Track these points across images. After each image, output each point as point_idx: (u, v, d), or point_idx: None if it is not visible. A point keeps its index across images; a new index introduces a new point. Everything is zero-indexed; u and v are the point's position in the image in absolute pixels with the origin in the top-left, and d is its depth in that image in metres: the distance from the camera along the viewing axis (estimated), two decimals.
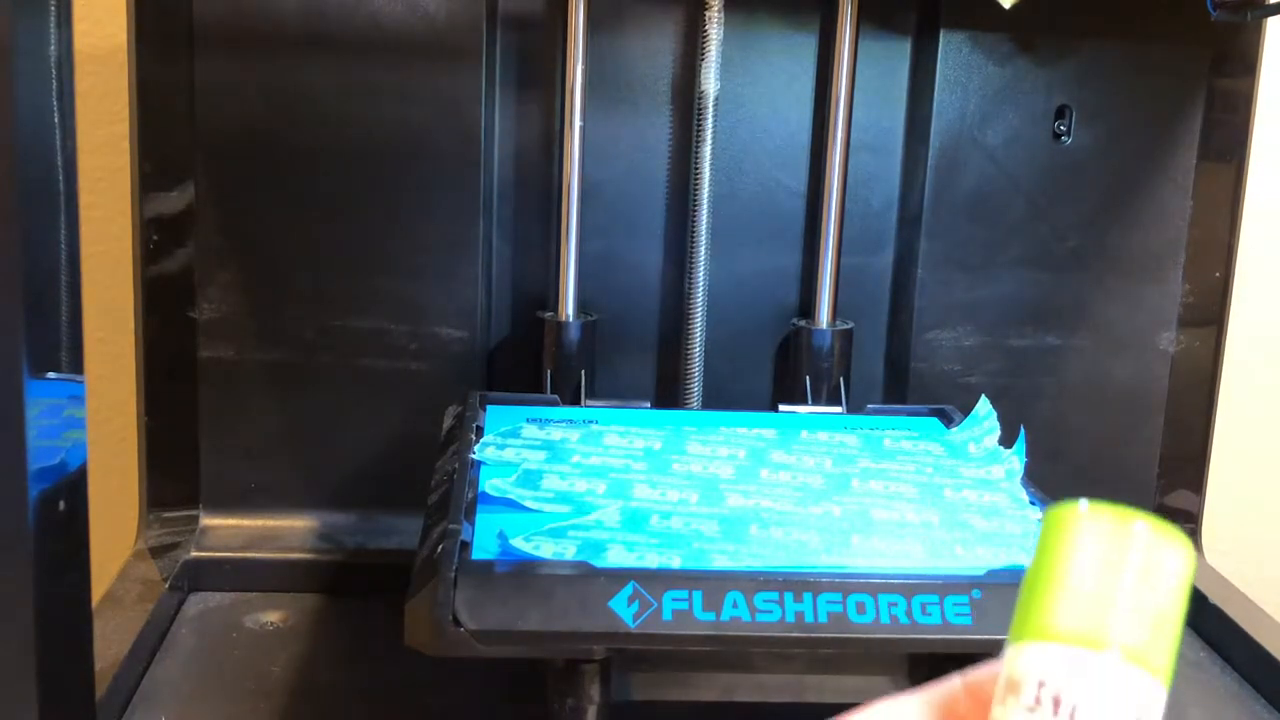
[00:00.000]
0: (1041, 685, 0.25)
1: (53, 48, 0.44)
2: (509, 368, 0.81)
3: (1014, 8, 0.70)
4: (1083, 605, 0.25)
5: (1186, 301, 0.82)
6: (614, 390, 0.80)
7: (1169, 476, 0.84)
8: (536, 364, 0.79)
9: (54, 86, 0.44)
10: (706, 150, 0.77)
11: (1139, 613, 0.25)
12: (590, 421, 0.69)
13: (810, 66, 0.79)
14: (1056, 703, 0.25)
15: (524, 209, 0.79)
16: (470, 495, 0.57)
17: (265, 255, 0.76)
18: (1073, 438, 0.83)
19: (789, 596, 0.49)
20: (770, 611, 0.49)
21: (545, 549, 0.52)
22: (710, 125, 0.76)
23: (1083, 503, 0.26)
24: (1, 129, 0.41)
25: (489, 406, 0.70)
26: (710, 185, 0.77)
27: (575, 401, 0.76)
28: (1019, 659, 0.26)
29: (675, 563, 0.52)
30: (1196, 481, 0.84)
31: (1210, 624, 0.75)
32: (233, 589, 0.75)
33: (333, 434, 0.78)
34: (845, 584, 0.50)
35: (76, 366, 0.46)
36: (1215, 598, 0.76)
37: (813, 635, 0.49)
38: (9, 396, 0.42)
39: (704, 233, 0.78)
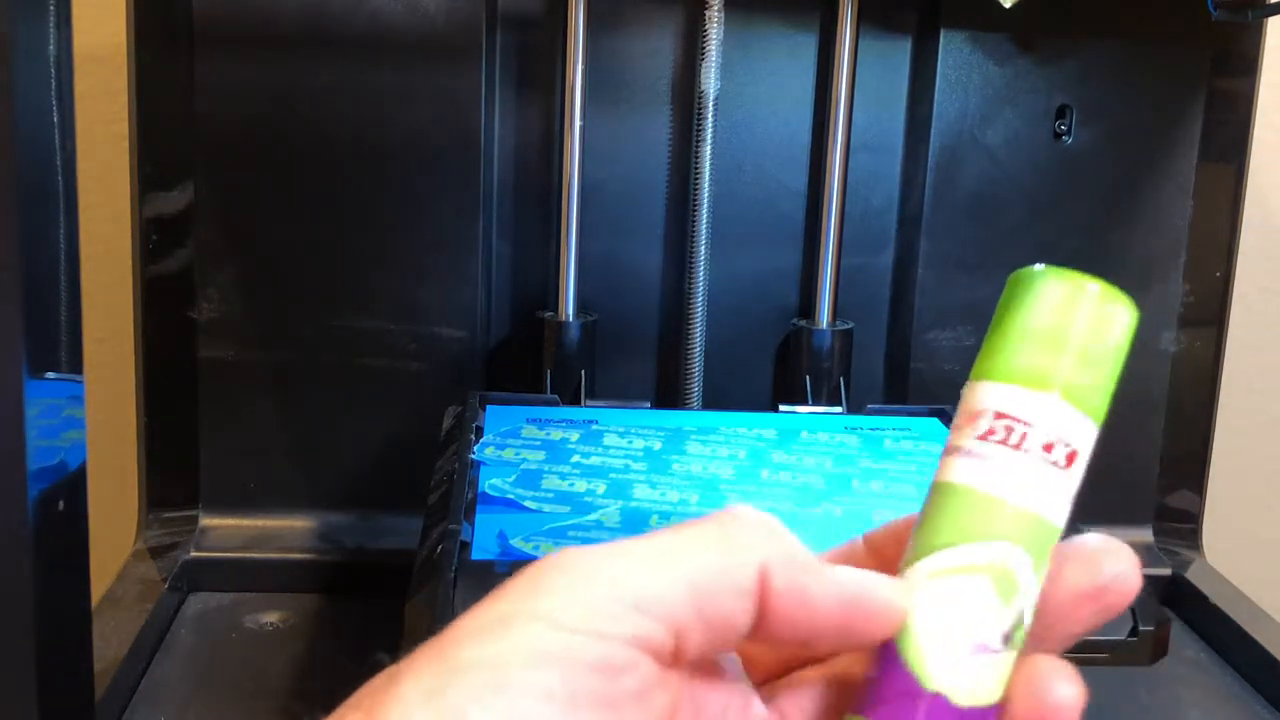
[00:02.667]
0: (997, 417, 0.29)
1: (52, 47, 0.44)
2: (509, 368, 0.80)
3: (1014, 7, 0.70)
4: (1035, 352, 0.30)
5: (1187, 301, 0.82)
6: (614, 390, 0.80)
7: (1169, 476, 0.84)
8: (536, 364, 0.79)
9: (53, 86, 0.44)
10: (706, 150, 0.77)
11: (1082, 361, 0.29)
12: (590, 421, 0.69)
13: (810, 66, 0.79)
14: (1009, 431, 0.29)
15: (524, 209, 0.79)
16: (470, 495, 0.57)
17: (265, 255, 0.76)
18: None
19: None
20: None
21: (545, 549, 0.52)
22: (710, 125, 0.76)
23: (1040, 266, 0.31)
24: (1, 129, 0.40)
25: (489, 407, 0.70)
26: (710, 185, 0.77)
27: (575, 401, 0.76)
28: (976, 395, 0.30)
29: None
30: (1197, 481, 0.84)
31: (1210, 624, 0.75)
32: (232, 589, 0.75)
33: (333, 434, 0.78)
34: None
35: (76, 366, 0.46)
36: (1215, 598, 0.76)
37: None
38: (9, 396, 0.42)
39: (704, 233, 0.78)
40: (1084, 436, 0.30)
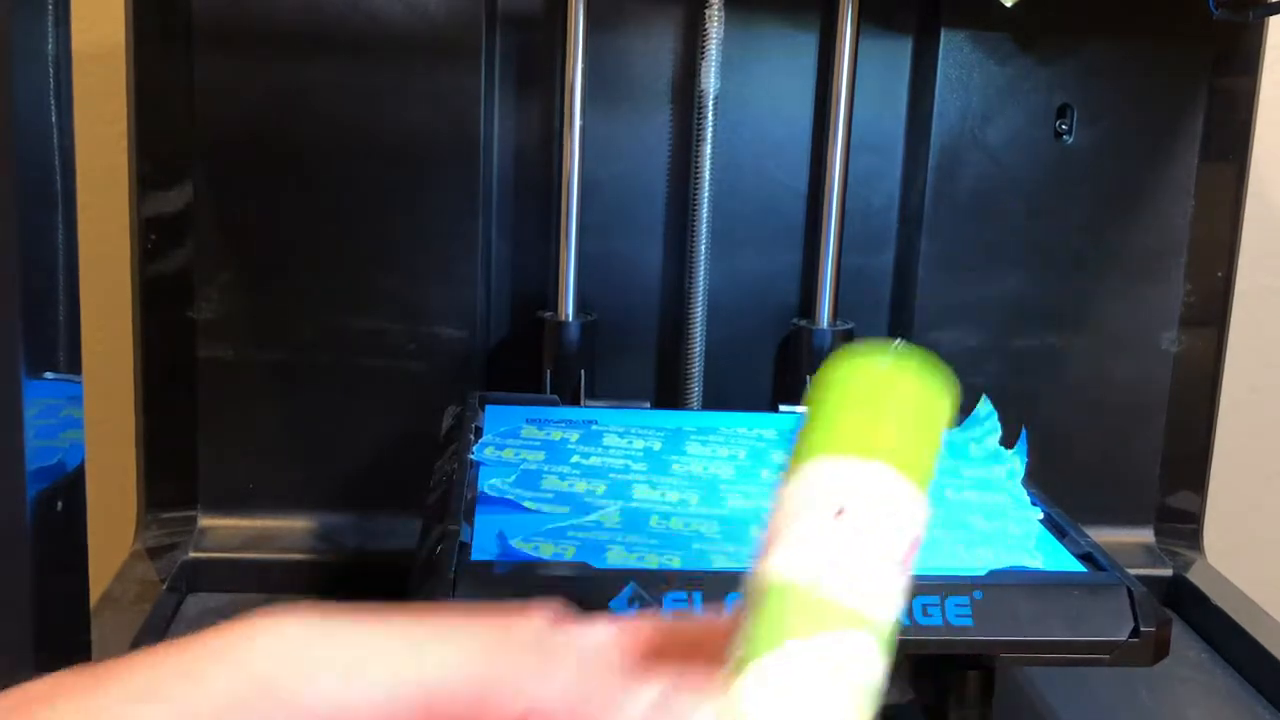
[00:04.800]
0: (840, 495, 0.28)
1: (51, 47, 0.44)
2: (509, 368, 0.80)
3: (1015, 6, 0.69)
4: (860, 427, 0.29)
5: (1188, 301, 0.82)
6: (614, 390, 0.80)
7: (1170, 476, 0.84)
8: (536, 364, 0.78)
9: (52, 86, 0.44)
10: (706, 150, 0.77)
11: (904, 434, 0.29)
12: (590, 422, 0.68)
13: (810, 66, 0.79)
14: (840, 511, 0.28)
15: (524, 208, 0.79)
16: (469, 496, 0.57)
17: (264, 255, 0.76)
18: (1074, 438, 0.82)
19: None
20: None
21: (545, 550, 0.52)
22: (710, 125, 0.76)
23: (858, 346, 0.30)
24: (0, 129, 0.40)
25: (488, 407, 0.70)
26: (710, 185, 0.77)
27: (575, 401, 0.76)
28: (812, 473, 0.29)
29: (675, 563, 0.52)
30: (1197, 481, 0.84)
31: (1211, 624, 0.75)
32: (231, 590, 0.75)
33: (332, 434, 0.78)
34: None
35: (74, 366, 0.46)
36: (1215, 598, 0.76)
37: None
38: (7, 396, 0.42)
39: (704, 232, 0.78)
40: (916, 506, 0.29)
